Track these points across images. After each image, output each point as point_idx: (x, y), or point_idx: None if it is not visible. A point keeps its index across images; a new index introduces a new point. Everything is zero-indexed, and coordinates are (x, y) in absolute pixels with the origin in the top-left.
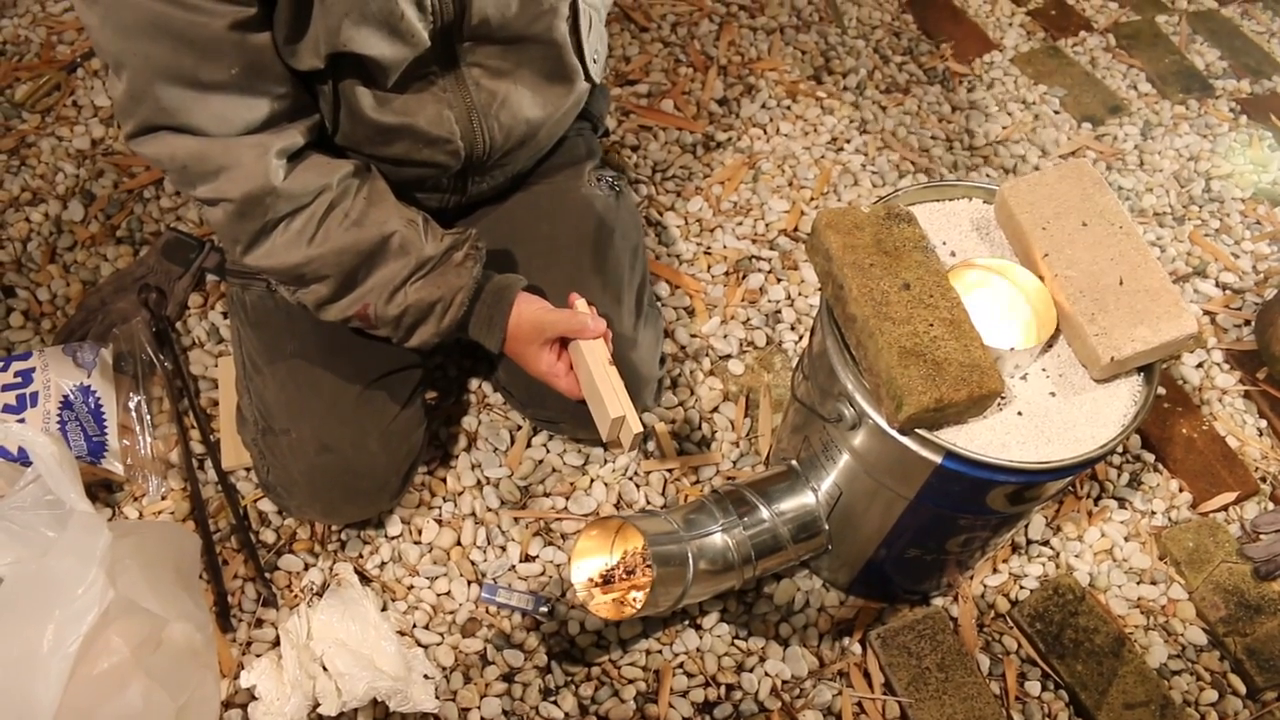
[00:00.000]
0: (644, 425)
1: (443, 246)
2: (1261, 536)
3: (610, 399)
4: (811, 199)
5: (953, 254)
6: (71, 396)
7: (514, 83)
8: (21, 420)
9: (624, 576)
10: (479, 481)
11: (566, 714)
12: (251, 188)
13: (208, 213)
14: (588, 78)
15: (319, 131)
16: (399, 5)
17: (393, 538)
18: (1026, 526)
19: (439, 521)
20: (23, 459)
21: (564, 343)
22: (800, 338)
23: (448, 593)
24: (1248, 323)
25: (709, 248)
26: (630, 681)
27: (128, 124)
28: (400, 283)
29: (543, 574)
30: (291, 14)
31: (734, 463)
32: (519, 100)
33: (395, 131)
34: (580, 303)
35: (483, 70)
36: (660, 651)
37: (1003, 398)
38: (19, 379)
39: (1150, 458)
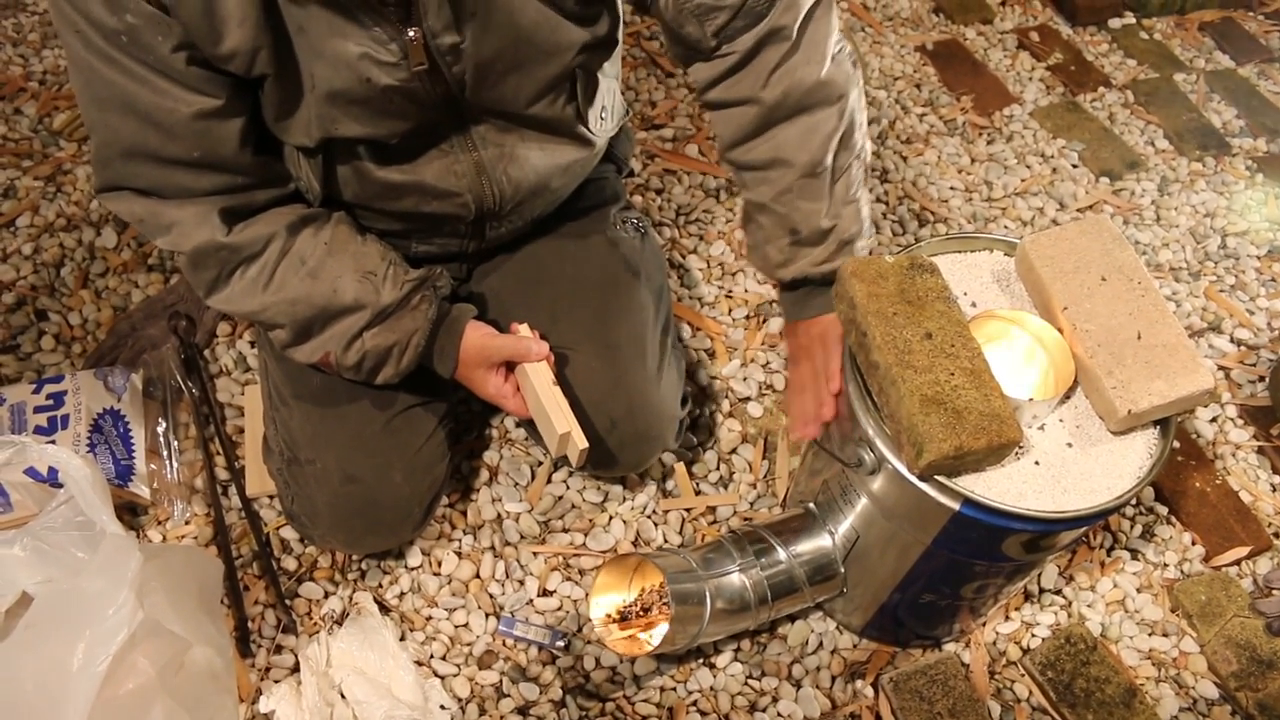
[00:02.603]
0: (589, 441)
1: (401, 294)
2: (1274, 592)
3: (556, 417)
4: None
5: (974, 304)
6: (102, 420)
7: (521, 138)
8: (52, 442)
9: (641, 613)
10: (499, 515)
11: None
12: (198, 243)
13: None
14: (592, 133)
15: (292, 195)
16: (393, 99)
17: (412, 568)
18: (1039, 575)
19: (458, 554)
20: (51, 479)
21: (510, 367)
22: None
23: (465, 624)
24: (1262, 379)
25: (730, 291)
26: (644, 718)
27: (96, 179)
28: (357, 333)
29: (560, 609)
30: (278, 100)
31: (751, 504)
32: (526, 154)
33: (402, 188)
34: (523, 328)
35: (489, 126)
36: (674, 689)
37: (1020, 447)
38: (51, 401)
39: (1163, 510)
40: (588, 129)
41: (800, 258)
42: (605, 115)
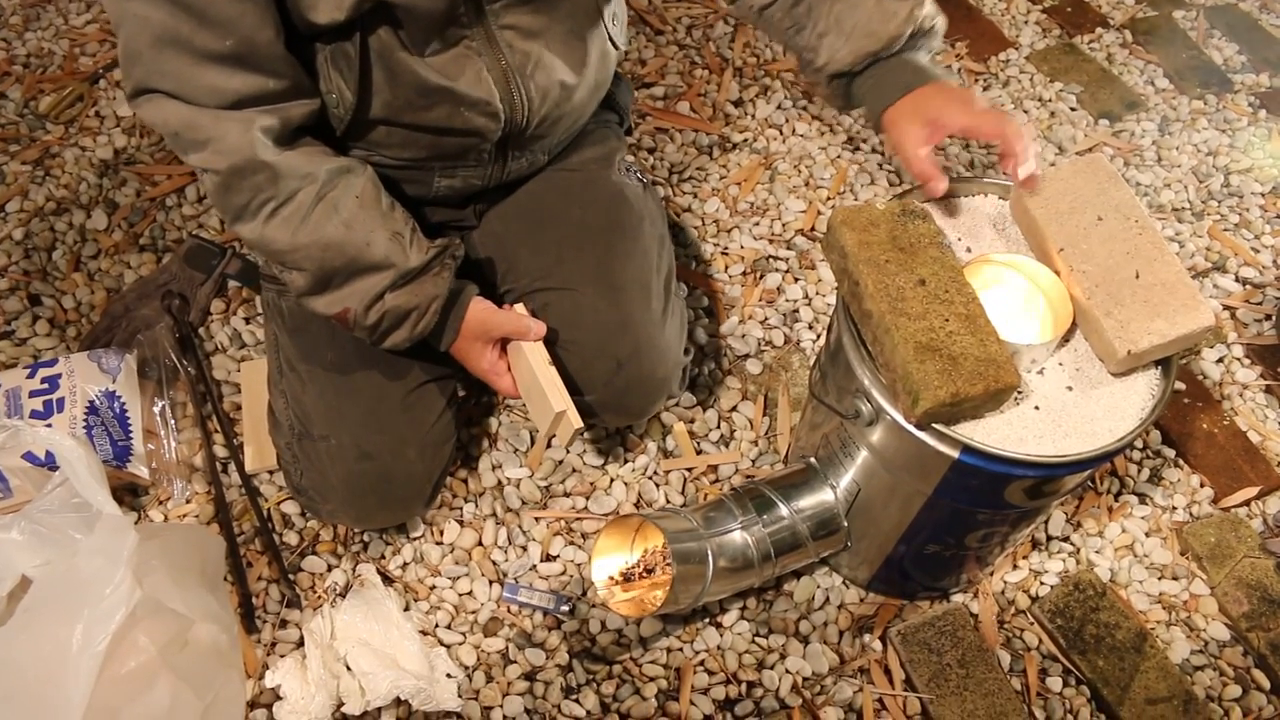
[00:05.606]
0: (585, 411)
1: (426, 258)
2: None
3: (554, 396)
4: (828, 198)
5: (968, 250)
6: (97, 402)
7: (545, 45)
8: (49, 425)
9: (644, 574)
10: (500, 482)
11: (588, 712)
12: (237, 160)
13: (201, 178)
14: (611, 42)
15: (318, 119)
16: None
17: (415, 538)
18: (1046, 522)
19: (460, 522)
20: (49, 463)
21: (503, 345)
22: (818, 336)
23: (469, 592)
24: (1268, 317)
25: (726, 248)
26: (651, 679)
27: (126, 84)
28: (380, 293)
29: (563, 573)
30: None
31: (753, 461)
32: (551, 62)
33: (436, 92)
34: (519, 307)
35: (515, 32)
36: (681, 649)
37: (1019, 392)
38: (46, 385)
39: (1171, 453)
40: (605, 21)
41: (912, 12)
42: (616, 21)
